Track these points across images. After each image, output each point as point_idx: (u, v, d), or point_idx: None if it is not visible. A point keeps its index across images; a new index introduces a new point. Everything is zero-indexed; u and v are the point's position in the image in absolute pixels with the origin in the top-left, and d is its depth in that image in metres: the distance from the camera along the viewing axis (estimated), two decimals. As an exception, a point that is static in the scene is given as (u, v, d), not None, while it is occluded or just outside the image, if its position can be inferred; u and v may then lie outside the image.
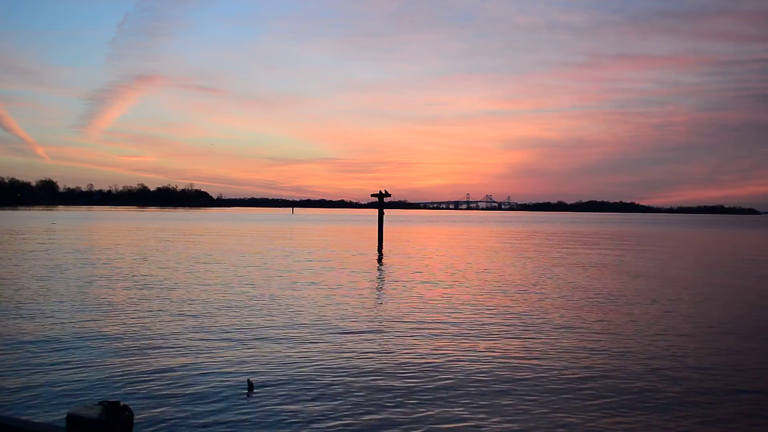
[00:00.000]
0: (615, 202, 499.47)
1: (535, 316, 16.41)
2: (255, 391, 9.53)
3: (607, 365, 11.52)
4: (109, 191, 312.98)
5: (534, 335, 14.02)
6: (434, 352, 12.32)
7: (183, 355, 11.61)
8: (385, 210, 44.35)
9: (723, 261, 38.53)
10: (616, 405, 9.27)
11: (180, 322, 14.78)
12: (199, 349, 12.15)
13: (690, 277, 27.92)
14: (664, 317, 16.71)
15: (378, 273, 27.41)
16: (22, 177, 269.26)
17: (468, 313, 16.86)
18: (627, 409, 9.13)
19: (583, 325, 15.31)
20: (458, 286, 22.75)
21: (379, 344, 12.92)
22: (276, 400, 9.13)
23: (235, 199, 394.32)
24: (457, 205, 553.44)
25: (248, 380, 9.83)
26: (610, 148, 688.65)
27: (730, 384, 10.57)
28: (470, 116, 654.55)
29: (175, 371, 10.51)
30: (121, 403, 2.13)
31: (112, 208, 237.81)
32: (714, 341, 13.88)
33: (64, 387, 9.57)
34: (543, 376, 10.68)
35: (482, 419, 8.55)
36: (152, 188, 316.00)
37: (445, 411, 8.84)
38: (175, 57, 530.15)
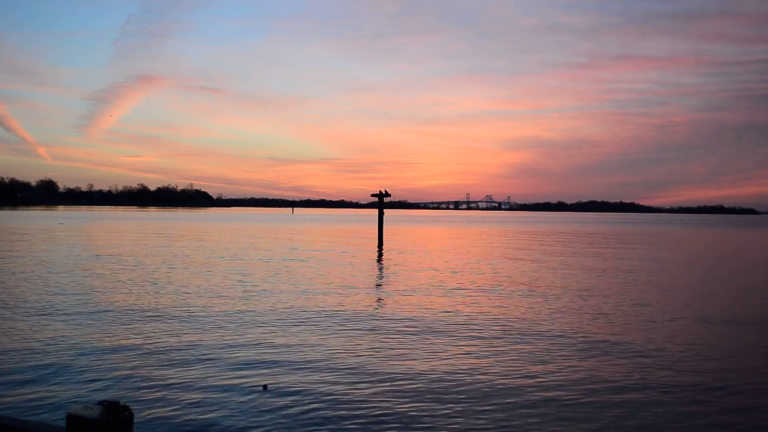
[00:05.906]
0: (615, 202, 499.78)
1: (535, 315, 16.39)
2: (267, 394, 9.40)
3: (609, 363, 11.51)
4: (109, 191, 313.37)
5: (535, 334, 14.00)
6: (438, 351, 12.28)
7: (185, 355, 11.58)
8: (385, 210, 44.35)
9: (725, 259, 38.55)
10: (620, 404, 9.26)
11: (182, 322, 14.75)
12: (201, 348, 12.13)
13: (691, 274, 27.92)
14: (678, 320, 16.70)
15: (379, 273, 27.38)
16: (23, 177, 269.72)
17: (470, 312, 16.83)
18: (629, 408, 9.12)
19: (584, 324, 15.29)
20: (460, 285, 22.70)
21: (384, 345, 12.89)
22: (286, 404, 9.10)
23: (235, 199, 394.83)
24: (457, 205, 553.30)
25: (264, 386, 9.69)
26: (610, 148, 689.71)
27: (729, 380, 10.57)
28: (471, 117, 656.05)
29: (176, 371, 10.47)
30: (121, 403, 2.14)
31: (113, 208, 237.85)
32: (717, 336, 13.88)
33: (64, 387, 9.55)
34: (543, 375, 10.66)
35: (493, 421, 8.54)
36: (152, 188, 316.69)
37: (453, 411, 8.82)
38: (176, 58, 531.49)
